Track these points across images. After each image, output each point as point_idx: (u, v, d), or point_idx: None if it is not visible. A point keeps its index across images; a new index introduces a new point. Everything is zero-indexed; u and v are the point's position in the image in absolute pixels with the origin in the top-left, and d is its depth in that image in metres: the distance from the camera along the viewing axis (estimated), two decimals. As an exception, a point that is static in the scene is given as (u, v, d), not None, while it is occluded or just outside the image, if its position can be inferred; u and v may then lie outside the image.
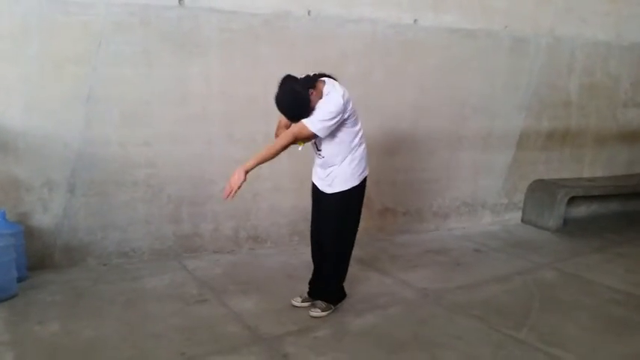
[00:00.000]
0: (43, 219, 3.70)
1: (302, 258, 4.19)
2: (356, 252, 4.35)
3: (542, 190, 5.51)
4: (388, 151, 4.79)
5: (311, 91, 2.91)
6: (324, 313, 3.16)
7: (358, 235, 4.70)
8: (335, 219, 3.15)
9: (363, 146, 3.16)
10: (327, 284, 3.25)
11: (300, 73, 3.03)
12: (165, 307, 3.20)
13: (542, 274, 4.06)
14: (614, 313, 3.40)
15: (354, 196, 3.15)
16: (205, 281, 3.61)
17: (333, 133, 2.98)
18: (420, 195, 5.04)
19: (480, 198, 5.37)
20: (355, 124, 3.08)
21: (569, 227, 5.45)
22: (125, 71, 3.71)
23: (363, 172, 3.16)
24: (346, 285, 3.65)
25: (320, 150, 3.08)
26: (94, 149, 3.72)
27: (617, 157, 6.18)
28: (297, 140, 2.91)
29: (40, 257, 3.71)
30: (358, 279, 3.81)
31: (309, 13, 4.21)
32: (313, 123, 2.87)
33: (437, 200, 5.14)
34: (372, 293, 3.55)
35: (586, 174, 6.00)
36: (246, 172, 2.81)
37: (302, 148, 3.06)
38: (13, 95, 3.50)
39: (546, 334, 3.04)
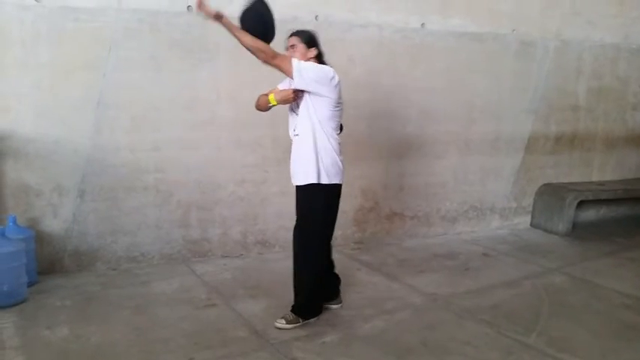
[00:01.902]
0: (53, 224, 3.73)
1: (310, 262, 4.20)
2: (364, 256, 4.41)
3: (551, 194, 5.48)
4: (395, 155, 4.79)
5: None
6: (288, 326, 3.00)
7: (365, 240, 4.77)
8: (299, 216, 3.08)
9: (339, 155, 3.06)
10: (296, 294, 3.15)
11: (335, 71, 3.01)
12: (174, 312, 3.21)
13: (551, 278, 4.04)
14: (625, 318, 3.37)
15: (318, 198, 3.01)
16: (214, 286, 3.62)
17: (316, 108, 2.90)
18: (428, 199, 5.04)
19: (488, 202, 5.36)
20: (338, 117, 3.04)
21: (578, 231, 5.42)
22: (135, 77, 3.74)
23: (332, 176, 3.00)
24: (354, 290, 3.67)
25: (295, 128, 3.01)
26: (103, 155, 3.75)
27: (627, 160, 6.15)
28: (274, 60, 2.82)
29: (49, 262, 3.74)
30: (365, 284, 3.81)
31: (316, 18, 4.23)
32: (299, 63, 2.83)
33: (445, 204, 5.13)
34: (379, 298, 3.54)
35: (595, 178, 5.97)
36: (218, 16, 2.85)
37: (271, 106, 3.03)
38: (23, 102, 3.54)
39: (556, 339, 3.02)
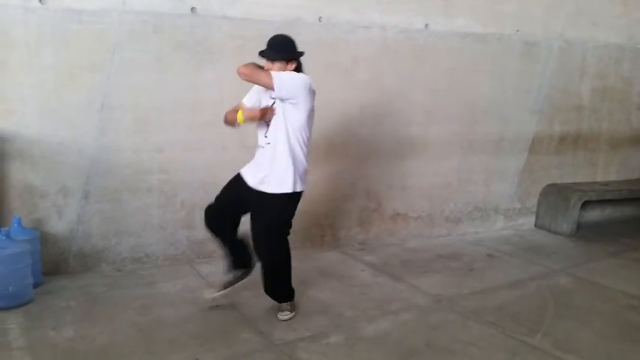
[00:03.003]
0: (58, 225, 3.74)
1: (314, 263, 4.21)
2: (367, 257, 4.41)
3: (555, 195, 5.47)
4: (399, 156, 4.79)
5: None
6: (292, 314, 3.17)
7: (369, 240, 4.77)
8: (267, 220, 3.05)
9: (306, 164, 3.10)
10: (278, 286, 3.21)
11: (311, 79, 3.04)
12: (178, 313, 3.22)
13: (556, 279, 4.03)
14: (630, 319, 3.37)
15: (291, 206, 3.09)
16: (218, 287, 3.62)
17: (291, 116, 2.94)
18: (432, 199, 5.03)
19: (492, 202, 5.35)
20: (311, 124, 3.08)
21: (583, 232, 5.41)
22: (139, 79, 3.75)
23: (303, 183, 3.07)
24: (358, 290, 3.68)
25: (267, 135, 3.01)
26: (108, 156, 3.76)
27: (631, 160, 6.13)
28: (254, 77, 2.87)
29: (54, 263, 3.75)
30: (370, 284, 3.81)
31: (319, 19, 4.23)
32: (277, 74, 2.86)
33: (449, 205, 5.13)
34: (384, 299, 3.54)
35: (599, 178, 5.95)
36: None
37: (238, 124, 3.05)
38: (28, 103, 3.55)
39: (561, 340, 3.02)
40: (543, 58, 5.24)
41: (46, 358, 2.67)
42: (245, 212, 3.15)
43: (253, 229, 3.07)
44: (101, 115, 3.70)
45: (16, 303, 3.20)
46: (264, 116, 3.00)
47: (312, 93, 2.99)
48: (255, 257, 3.26)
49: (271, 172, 3.00)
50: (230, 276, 3.29)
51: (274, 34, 3.05)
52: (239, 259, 3.30)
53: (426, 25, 4.64)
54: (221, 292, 3.25)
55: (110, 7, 3.60)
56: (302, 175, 3.06)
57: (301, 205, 4.42)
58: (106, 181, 3.78)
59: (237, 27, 3.95)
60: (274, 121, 2.98)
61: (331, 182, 4.58)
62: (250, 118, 3.00)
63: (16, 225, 3.40)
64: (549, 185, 5.58)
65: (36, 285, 3.41)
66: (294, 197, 3.07)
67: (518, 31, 5.04)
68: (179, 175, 3.96)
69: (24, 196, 3.63)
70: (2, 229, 3.23)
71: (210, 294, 3.25)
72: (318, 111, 4.49)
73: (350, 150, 4.59)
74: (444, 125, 4.92)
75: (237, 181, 3.16)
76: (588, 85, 5.60)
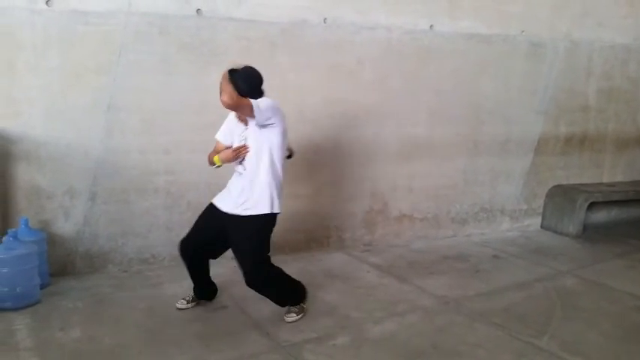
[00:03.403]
0: (65, 226, 3.75)
1: (319, 265, 4.21)
2: (373, 258, 4.40)
3: (561, 196, 5.45)
4: (404, 157, 4.78)
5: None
6: (299, 316, 3.18)
7: (374, 242, 4.77)
8: (253, 244, 3.04)
9: (281, 185, 3.12)
10: (283, 297, 3.22)
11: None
12: (185, 314, 3.23)
13: (562, 280, 4.01)
14: (638, 320, 3.35)
15: (269, 227, 3.10)
16: (224, 288, 3.62)
17: (269, 139, 2.98)
18: (437, 201, 5.02)
19: (498, 204, 5.34)
20: (286, 144, 3.12)
21: (589, 233, 5.38)
22: (145, 80, 3.76)
23: (277, 204, 3.06)
24: (364, 292, 3.67)
25: (243, 163, 3.04)
26: (114, 157, 3.77)
27: (638, 161, 6.11)
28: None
29: (61, 264, 3.76)
30: (376, 286, 3.81)
31: (324, 20, 4.24)
32: (255, 102, 2.87)
33: (454, 206, 5.12)
34: (390, 300, 3.54)
35: (606, 179, 5.93)
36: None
37: (217, 167, 3.12)
38: (35, 105, 3.56)
39: (568, 342, 3.00)
40: (549, 59, 5.23)
41: (54, 358, 2.68)
42: (222, 243, 3.17)
43: (243, 265, 3.04)
44: (107, 116, 3.71)
45: (24, 304, 3.21)
46: (238, 156, 3.05)
47: (283, 115, 3.04)
48: (216, 291, 3.44)
49: (252, 195, 3.01)
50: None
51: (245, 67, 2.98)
52: (203, 292, 3.39)
53: (431, 26, 4.64)
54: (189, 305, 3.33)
55: (116, 8, 3.62)
56: (280, 195, 3.10)
57: (306, 207, 4.47)
58: (112, 182, 3.79)
59: (243, 28, 3.96)
60: (254, 147, 3.01)
61: (336, 183, 4.58)
62: (226, 161, 3.08)
63: (23, 226, 3.42)
64: (555, 186, 5.56)
65: (43, 286, 3.43)
66: (274, 218, 3.10)
67: (523, 31, 5.03)
68: (185, 176, 3.96)
69: (31, 198, 3.64)
70: (10, 231, 3.25)
71: (182, 305, 3.31)
72: (324, 111, 4.51)
73: (355, 151, 4.58)
74: (450, 126, 4.91)
75: (213, 211, 3.15)
76: (594, 86, 5.58)
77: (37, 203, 3.66)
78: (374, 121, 4.58)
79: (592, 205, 5.43)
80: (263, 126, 2.95)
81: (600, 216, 5.89)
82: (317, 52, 4.26)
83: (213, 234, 3.15)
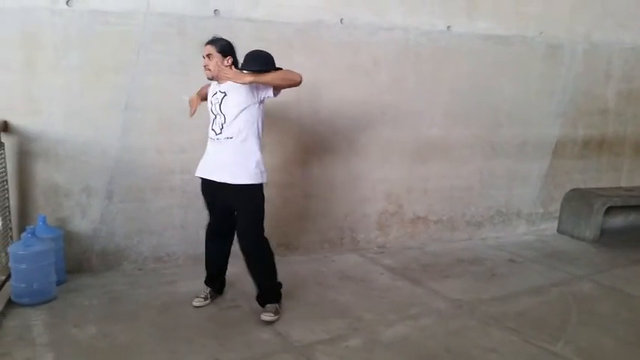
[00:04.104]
0: (82, 224, 3.80)
1: (332, 265, 4.21)
2: (387, 260, 4.39)
3: (578, 200, 5.39)
4: (420, 158, 4.76)
5: None
6: (277, 316, 3.16)
7: (388, 244, 4.75)
8: (251, 213, 3.12)
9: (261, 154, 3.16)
10: (267, 291, 3.24)
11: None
12: (199, 312, 3.25)
13: (579, 286, 3.96)
14: (655, 328, 3.30)
15: (261, 196, 3.13)
16: (237, 287, 3.64)
17: (259, 113, 3.09)
18: (453, 203, 4.99)
19: (514, 207, 5.29)
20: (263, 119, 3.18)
21: (606, 238, 5.31)
22: (162, 80, 3.80)
23: (261, 175, 3.10)
24: (377, 294, 3.67)
25: (225, 128, 3.04)
26: (131, 156, 3.81)
27: (657, 166, 6.00)
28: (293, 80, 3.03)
29: (77, 261, 3.81)
30: (389, 288, 3.79)
31: (341, 21, 4.24)
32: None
33: (470, 209, 5.08)
34: (403, 303, 3.52)
35: (624, 183, 5.84)
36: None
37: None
38: (54, 103, 3.62)
39: (583, 348, 2.97)
40: (567, 61, 5.16)
41: (69, 355, 2.71)
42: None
43: (242, 223, 3.13)
44: (125, 115, 3.75)
45: (40, 300, 3.26)
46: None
47: None
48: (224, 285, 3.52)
49: (239, 164, 3.05)
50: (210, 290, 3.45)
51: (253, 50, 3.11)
52: (215, 282, 3.46)
53: (449, 27, 4.61)
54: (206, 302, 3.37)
55: (135, 9, 3.66)
56: (264, 167, 3.16)
57: (321, 207, 4.47)
58: (129, 180, 3.83)
59: (260, 29, 3.97)
60: (242, 116, 3.03)
61: (351, 184, 4.57)
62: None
63: (41, 223, 3.47)
64: (573, 190, 5.50)
65: (59, 283, 3.47)
66: (261, 188, 3.14)
67: (541, 33, 4.98)
68: (200, 175, 3.99)
69: (48, 195, 3.70)
70: (28, 228, 3.30)
71: (199, 302, 3.34)
72: (340, 111, 4.51)
73: (370, 151, 4.58)
74: (466, 128, 4.88)
75: (209, 188, 3.21)
76: (614, 89, 5.49)
77: (55, 201, 3.71)
78: (390, 122, 4.57)
79: (610, 210, 5.35)
80: (265, 99, 3.08)
81: (618, 221, 5.80)
82: (333, 52, 4.26)
83: (224, 208, 3.27)
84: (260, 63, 3.03)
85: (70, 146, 3.68)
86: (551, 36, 5.03)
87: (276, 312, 3.18)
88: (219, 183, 3.09)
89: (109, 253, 3.89)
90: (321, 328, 3.09)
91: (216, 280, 3.45)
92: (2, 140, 3.47)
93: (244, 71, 2.98)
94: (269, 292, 3.24)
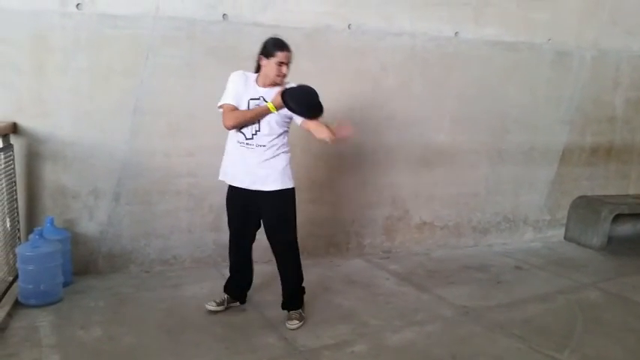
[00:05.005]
0: (89, 226, 3.81)
1: (338, 270, 4.20)
2: (392, 266, 4.38)
3: (586, 207, 5.36)
4: (427, 164, 4.75)
5: None
6: (301, 322, 3.16)
7: (395, 249, 4.74)
8: (282, 221, 3.12)
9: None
10: (296, 293, 3.26)
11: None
12: (204, 316, 3.25)
13: (585, 293, 3.94)
14: (663, 337, 3.27)
15: (294, 201, 3.14)
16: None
17: (284, 119, 3.06)
18: (459, 209, 4.98)
19: (521, 214, 5.27)
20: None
21: (613, 246, 5.28)
22: (171, 84, 3.81)
23: (292, 178, 3.12)
24: (383, 300, 3.66)
25: (257, 133, 3.01)
26: (139, 159, 3.82)
27: (666, 173, 5.97)
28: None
29: (84, 263, 3.82)
30: (395, 293, 3.78)
31: (349, 26, 4.24)
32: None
33: (476, 215, 5.07)
34: (409, 309, 3.51)
35: (632, 191, 5.81)
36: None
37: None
38: (63, 106, 3.64)
39: (590, 356, 2.95)
40: (575, 68, 5.15)
41: (75, 356, 2.72)
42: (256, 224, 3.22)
43: (278, 226, 3.12)
44: (133, 118, 3.77)
45: (47, 301, 3.28)
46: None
47: None
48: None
49: (276, 171, 3.05)
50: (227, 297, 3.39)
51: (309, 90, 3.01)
52: (240, 291, 3.42)
53: (456, 33, 4.61)
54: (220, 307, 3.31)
55: (144, 12, 3.68)
56: (291, 174, 3.18)
57: (327, 212, 4.47)
58: (136, 183, 3.85)
59: (268, 34, 3.93)
60: (278, 126, 3.04)
61: (358, 189, 4.57)
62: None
63: (48, 225, 3.49)
64: (580, 197, 5.47)
65: (66, 284, 3.48)
66: (293, 192, 3.16)
67: (549, 40, 4.97)
68: (208, 179, 3.97)
69: (56, 197, 3.72)
70: (36, 229, 3.31)
71: (212, 306, 3.30)
72: (347, 117, 4.49)
73: (377, 157, 4.57)
74: (473, 134, 4.88)
75: (239, 197, 3.16)
76: (622, 96, 5.48)
77: (63, 202, 3.73)
78: (397, 128, 4.57)
79: (617, 218, 5.32)
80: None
81: (626, 229, 5.77)
82: (341, 57, 4.27)
83: (249, 217, 3.23)
84: (311, 110, 3.00)
85: (79, 148, 3.70)
86: (559, 43, 5.02)
87: (300, 318, 3.18)
88: (253, 191, 3.08)
89: (116, 256, 3.91)
90: (327, 334, 3.08)
91: (238, 287, 3.40)
92: (11, 142, 3.49)
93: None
94: (294, 297, 3.25)
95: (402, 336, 3.11)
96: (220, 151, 3.99)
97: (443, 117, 4.74)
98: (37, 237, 3.27)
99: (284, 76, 3.02)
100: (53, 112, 3.62)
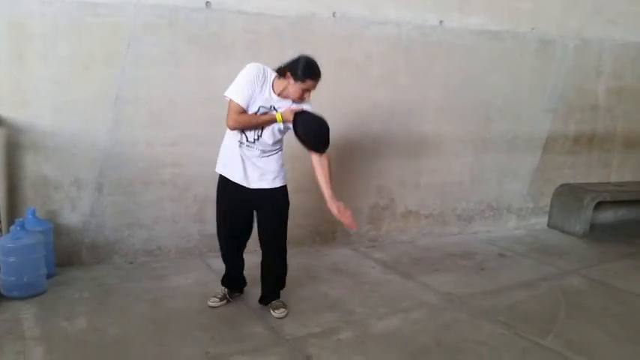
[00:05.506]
0: (72, 217, 3.76)
1: (324, 259, 4.21)
2: (378, 254, 4.40)
3: (568, 195, 5.42)
4: (411, 153, 4.77)
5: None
6: (286, 311, 3.16)
7: (380, 238, 4.77)
8: (284, 211, 3.17)
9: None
10: (281, 281, 3.29)
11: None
12: (190, 306, 3.23)
13: (568, 280, 4.00)
14: (644, 321, 3.33)
15: (288, 196, 3.19)
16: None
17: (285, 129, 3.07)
18: (444, 198, 5.01)
19: (505, 202, 5.32)
20: None
21: (596, 233, 5.36)
22: (153, 72, 3.76)
23: (285, 175, 3.18)
24: (369, 288, 3.68)
25: (260, 138, 3.01)
26: (121, 149, 3.78)
27: (646, 161, 6.06)
28: None
29: (67, 254, 3.78)
30: (380, 281, 3.80)
31: (334, 14, 4.22)
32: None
33: (461, 203, 5.10)
34: (394, 297, 3.53)
35: (614, 178, 5.89)
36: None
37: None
38: (43, 95, 3.57)
39: (573, 341, 2.99)
40: (559, 57, 5.19)
41: (59, 348, 2.69)
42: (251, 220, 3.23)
43: (275, 222, 3.14)
44: (115, 108, 3.72)
45: (31, 293, 3.24)
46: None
47: None
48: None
49: (272, 170, 3.09)
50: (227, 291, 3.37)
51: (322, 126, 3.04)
52: (239, 282, 3.41)
53: (441, 21, 4.61)
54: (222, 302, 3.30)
55: (125, 0, 3.61)
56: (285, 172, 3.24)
57: (312, 201, 4.44)
58: (119, 173, 3.80)
59: (252, 22, 3.95)
60: (280, 134, 3.07)
61: (343, 178, 4.56)
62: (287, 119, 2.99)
63: (30, 216, 3.44)
64: (563, 185, 5.53)
65: (49, 276, 3.44)
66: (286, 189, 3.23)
67: (533, 29, 4.99)
68: (192, 169, 3.97)
69: (38, 188, 3.66)
70: (17, 220, 3.26)
71: (214, 302, 3.27)
72: (332, 106, 4.48)
73: (362, 146, 4.57)
74: (458, 123, 4.89)
75: (237, 193, 3.10)
76: (604, 85, 5.53)
77: (44, 193, 3.68)
78: (381, 117, 4.57)
79: (599, 205, 5.40)
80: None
81: (607, 216, 5.86)
82: (325, 46, 4.24)
83: (246, 213, 3.23)
84: (316, 144, 3.06)
85: (60, 138, 3.64)
86: (543, 32, 5.04)
87: (284, 306, 3.20)
88: (252, 189, 3.07)
89: (99, 246, 3.87)
90: (313, 322, 3.09)
91: (238, 279, 3.39)
92: (-10, 132, 3.43)
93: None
94: (278, 286, 3.27)
95: (387, 323, 3.13)
96: (204, 140, 3.98)
97: (428, 106, 4.75)
98: (18, 228, 3.22)
99: (304, 99, 2.97)
100: (33, 101, 3.55)
